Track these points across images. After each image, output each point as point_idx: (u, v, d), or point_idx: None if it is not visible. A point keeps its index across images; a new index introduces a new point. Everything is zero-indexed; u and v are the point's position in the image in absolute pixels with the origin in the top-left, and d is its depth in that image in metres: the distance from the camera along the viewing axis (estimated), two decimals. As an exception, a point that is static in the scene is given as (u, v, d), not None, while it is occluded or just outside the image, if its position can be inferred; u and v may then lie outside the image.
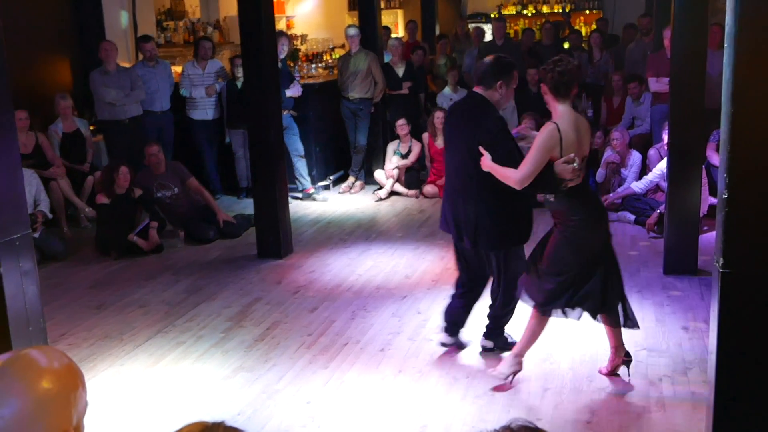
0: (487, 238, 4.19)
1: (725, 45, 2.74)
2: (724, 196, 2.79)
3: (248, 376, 4.44)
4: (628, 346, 4.57)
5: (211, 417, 3.35)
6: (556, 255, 3.95)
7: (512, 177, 3.84)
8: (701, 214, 6.23)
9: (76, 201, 7.76)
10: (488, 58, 4.25)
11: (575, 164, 3.76)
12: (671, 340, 4.67)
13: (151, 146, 7.43)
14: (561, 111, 3.86)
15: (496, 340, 4.58)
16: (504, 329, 4.59)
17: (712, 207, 6.78)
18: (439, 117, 8.71)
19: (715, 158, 7.35)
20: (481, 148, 3.99)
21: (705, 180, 6.50)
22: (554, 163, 3.79)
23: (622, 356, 4.20)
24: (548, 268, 3.97)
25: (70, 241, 7.31)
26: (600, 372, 4.30)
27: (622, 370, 4.24)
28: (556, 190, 3.85)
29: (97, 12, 9.39)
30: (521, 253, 4.33)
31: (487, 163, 3.98)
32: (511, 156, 3.95)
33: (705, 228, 6.48)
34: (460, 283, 4.60)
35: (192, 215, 7.39)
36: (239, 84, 8.46)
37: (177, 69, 9.56)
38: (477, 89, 4.23)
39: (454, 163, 4.31)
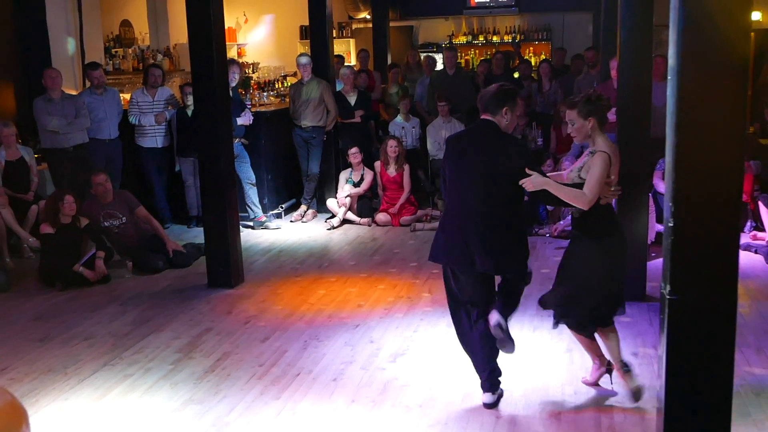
0: (514, 261, 4.23)
1: (668, 77, 2.81)
2: (669, 224, 2.85)
3: (198, 409, 4.34)
4: (578, 372, 4.62)
5: (158, 453, 3.24)
6: (597, 271, 4.16)
7: (581, 198, 4.06)
8: (649, 241, 6.35)
9: (19, 231, 7.55)
10: (492, 87, 4.33)
11: (614, 187, 4.16)
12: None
13: (98, 175, 7.28)
14: (604, 140, 4.16)
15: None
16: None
17: (659, 234, 6.92)
18: (391, 146, 8.76)
19: (661, 186, 7.52)
20: (527, 170, 4.07)
21: (652, 207, 6.63)
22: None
23: (605, 365, 4.41)
24: (597, 284, 4.18)
25: (12, 272, 7.11)
26: (584, 382, 4.49)
27: (605, 380, 4.42)
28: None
29: (43, 38, 9.24)
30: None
31: (541, 181, 4.06)
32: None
33: (653, 255, 6.59)
34: (476, 315, 4.32)
35: (140, 245, 7.25)
36: (189, 112, 8.40)
37: (126, 96, 9.44)
38: (484, 116, 4.28)
39: (470, 190, 4.21)
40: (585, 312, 4.22)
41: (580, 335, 4.37)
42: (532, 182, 4.05)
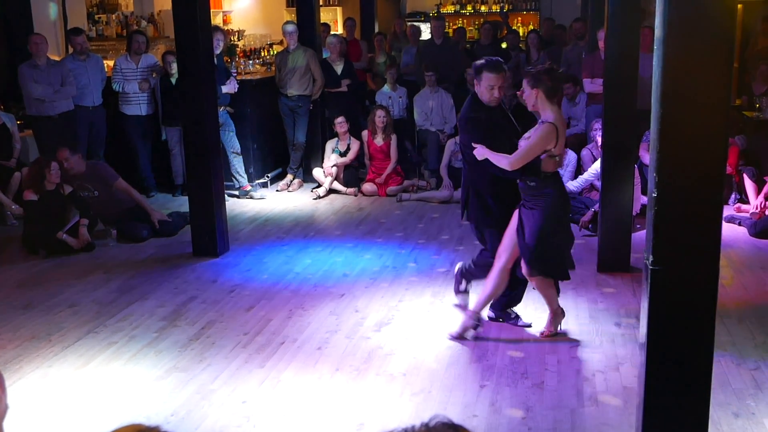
0: (472, 213, 4.88)
1: (655, 47, 2.79)
2: (653, 195, 2.85)
3: (182, 377, 4.35)
4: (562, 341, 4.66)
5: (143, 419, 3.28)
6: (543, 226, 4.43)
7: (503, 161, 4.44)
8: (634, 213, 6.38)
9: (1, 198, 7.49)
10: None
11: (557, 158, 4.44)
12: (604, 336, 4.77)
13: (60, 152, 7.00)
14: (552, 112, 4.40)
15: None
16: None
17: (644, 206, 6.95)
18: (380, 115, 8.72)
19: (647, 158, 7.52)
20: (473, 144, 4.62)
21: (638, 179, 6.65)
22: (544, 154, 4.39)
23: (560, 315, 4.79)
24: (536, 238, 4.44)
25: (-4, 239, 7.07)
26: (542, 335, 4.78)
27: (562, 328, 4.83)
28: (538, 175, 4.44)
29: (25, 3, 9.09)
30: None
31: (481, 152, 4.56)
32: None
33: (638, 226, 6.63)
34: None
35: (121, 216, 7.19)
36: (173, 80, 8.31)
37: (109, 63, 9.33)
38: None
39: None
40: (549, 259, 4.55)
41: (544, 283, 4.64)
42: (477, 154, 4.57)
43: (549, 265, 4.58)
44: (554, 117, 4.37)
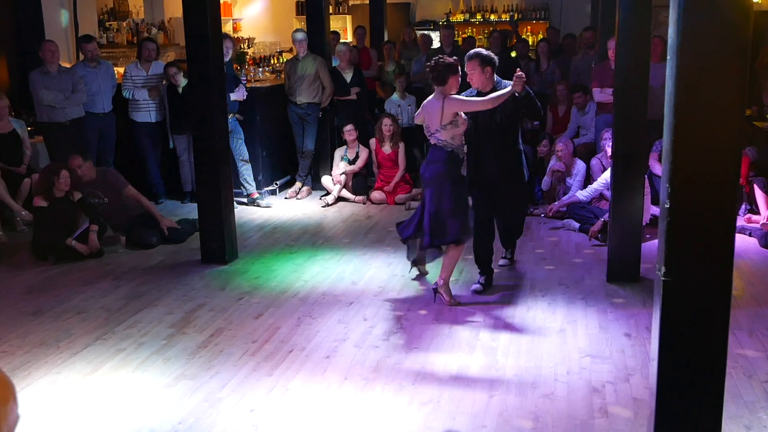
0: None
1: (668, 57, 2.78)
2: (666, 206, 2.83)
3: (190, 384, 4.34)
4: (571, 352, 4.64)
5: (152, 427, 3.27)
6: (454, 198, 5.27)
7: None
8: (644, 223, 6.35)
9: (11, 204, 7.51)
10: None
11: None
12: (614, 346, 4.74)
13: (72, 159, 7.04)
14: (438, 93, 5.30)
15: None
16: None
17: (654, 216, 6.92)
18: (386, 123, 8.72)
19: (657, 168, 7.51)
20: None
21: (648, 189, 6.62)
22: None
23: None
24: (452, 209, 5.27)
25: (5, 245, 7.09)
26: (436, 284, 5.51)
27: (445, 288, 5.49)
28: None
29: (37, 10, 9.15)
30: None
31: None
32: None
33: (647, 236, 6.60)
34: None
35: (131, 222, 7.20)
36: (180, 90, 8.34)
37: (120, 70, 9.37)
38: None
39: None
40: (454, 228, 5.27)
41: (455, 248, 5.38)
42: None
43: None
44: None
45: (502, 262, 6.34)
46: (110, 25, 11.60)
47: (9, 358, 4.69)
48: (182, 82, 8.30)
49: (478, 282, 5.79)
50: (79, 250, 6.66)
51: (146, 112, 8.57)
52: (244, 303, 5.62)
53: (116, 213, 7.21)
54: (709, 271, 2.84)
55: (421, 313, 5.35)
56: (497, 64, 5.62)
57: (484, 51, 5.61)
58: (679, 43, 2.71)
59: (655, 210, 7.00)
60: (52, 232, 6.69)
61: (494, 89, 5.51)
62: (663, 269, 2.86)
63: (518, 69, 5.62)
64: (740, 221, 7.27)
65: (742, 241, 6.82)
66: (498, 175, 5.68)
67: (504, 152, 5.70)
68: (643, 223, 6.28)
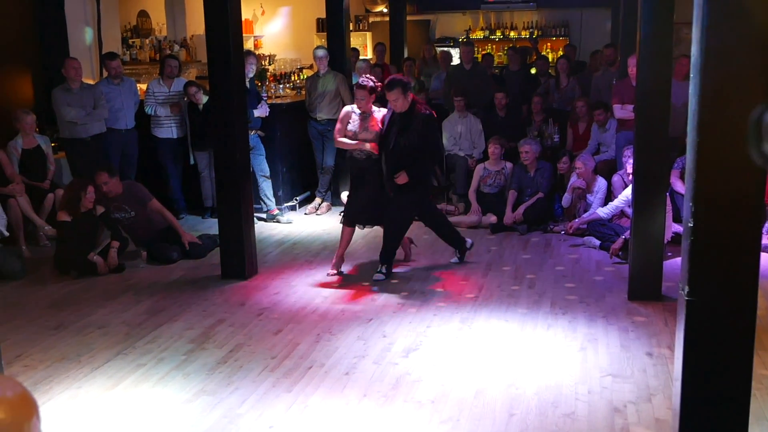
0: None
1: (691, 75, 2.77)
2: (689, 225, 2.81)
3: (210, 400, 4.35)
4: (592, 371, 4.59)
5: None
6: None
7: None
8: (665, 241, 6.29)
9: (35, 218, 7.59)
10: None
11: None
12: (636, 366, 4.69)
13: (99, 175, 7.07)
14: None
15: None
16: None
17: (675, 233, 6.87)
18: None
19: (678, 185, 7.46)
20: None
21: (669, 206, 6.58)
22: None
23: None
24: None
25: (28, 259, 7.15)
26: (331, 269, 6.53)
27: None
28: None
29: (61, 28, 9.27)
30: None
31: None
32: None
33: (669, 254, 6.55)
34: None
35: (153, 237, 7.25)
36: (200, 107, 8.42)
37: (142, 87, 9.47)
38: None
39: None
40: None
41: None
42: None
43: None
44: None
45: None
46: (133, 42, 11.74)
47: (31, 372, 4.72)
48: (203, 100, 8.37)
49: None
50: (99, 265, 6.70)
51: (168, 128, 8.66)
52: (263, 319, 5.63)
53: (141, 226, 7.27)
54: (734, 290, 2.82)
55: (441, 330, 5.33)
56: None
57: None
58: (703, 61, 2.70)
59: (677, 228, 6.94)
60: (74, 246, 6.75)
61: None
62: (687, 288, 2.84)
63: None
64: (765, 240, 7.18)
65: (765, 259, 6.73)
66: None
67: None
68: (665, 241, 6.22)
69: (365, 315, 5.65)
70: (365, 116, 6.56)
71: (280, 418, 4.12)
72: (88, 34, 9.90)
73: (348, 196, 6.78)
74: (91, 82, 8.90)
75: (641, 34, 5.58)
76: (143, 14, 12.48)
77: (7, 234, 6.90)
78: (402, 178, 6.31)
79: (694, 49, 2.76)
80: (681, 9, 5.62)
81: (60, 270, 6.81)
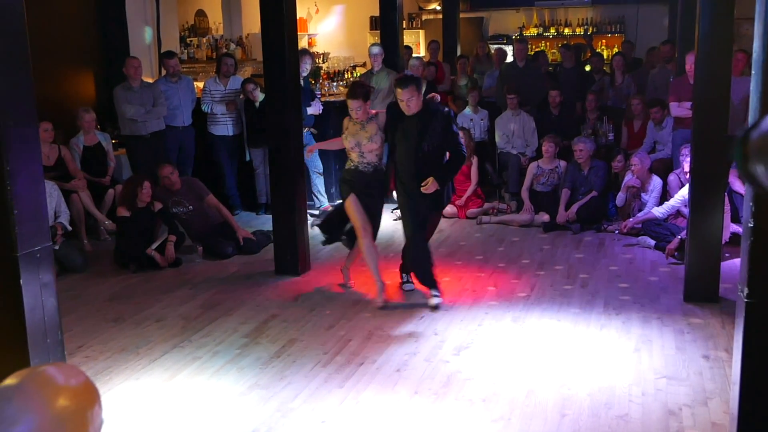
0: None
1: (752, 71, 2.72)
2: (749, 225, 2.76)
3: (263, 394, 4.42)
4: (647, 373, 4.53)
5: (226, 435, 3.29)
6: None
7: None
8: (723, 241, 6.16)
9: (96, 213, 7.81)
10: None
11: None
12: (691, 368, 4.61)
13: (164, 168, 7.36)
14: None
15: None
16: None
17: (733, 234, 6.71)
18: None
19: (737, 185, 7.27)
20: None
21: (727, 207, 6.43)
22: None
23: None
24: None
25: (89, 253, 7.36)
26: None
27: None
28: None
29: (123, 27, 9.51)
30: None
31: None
32: None
33: (727, 255, 6.40)
34: None
35: (209, 231, 7.39)
36: (257, 105, 8.53)
37: (199, 85, 9.64)
38: None
39: None
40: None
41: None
42: None
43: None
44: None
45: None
46: (191, 41, 11.96)
47: (92, 363, 4.87)
48: (260, 97, 8.49)
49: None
50: (157, 260, 6.86)
51: (224, 126, 8.80)
52: (316, 314, 5.69)
53: (198, 221, 7.42)
54: (795, 292, 2.76)
55: (492, 329, 5.32)
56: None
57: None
58: (766, 57, 2.64)
59: (735, 228, 6.78)
60: (133, 241, 6.93)
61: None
62: (746, 290, 2.79)
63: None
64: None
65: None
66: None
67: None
68: (723, 242, 6.09)
69: (417, 312, 5.67)
70: (365, 124, 6.12)
71: (333, 413, 4.16)
72: (148, 34, 10.13)
73: (335, 211, 6.36)
74: (150, 80, 9.10)
75: (700, 31, 5.47)
76: (201, 13, 12.71)
77: (69, 228, 7.11)
78: (431, 186, 5.62)
79: (756, 45, 2.70)
80: (741, 4, 5.50)
81: (119, 264, 6.99)
